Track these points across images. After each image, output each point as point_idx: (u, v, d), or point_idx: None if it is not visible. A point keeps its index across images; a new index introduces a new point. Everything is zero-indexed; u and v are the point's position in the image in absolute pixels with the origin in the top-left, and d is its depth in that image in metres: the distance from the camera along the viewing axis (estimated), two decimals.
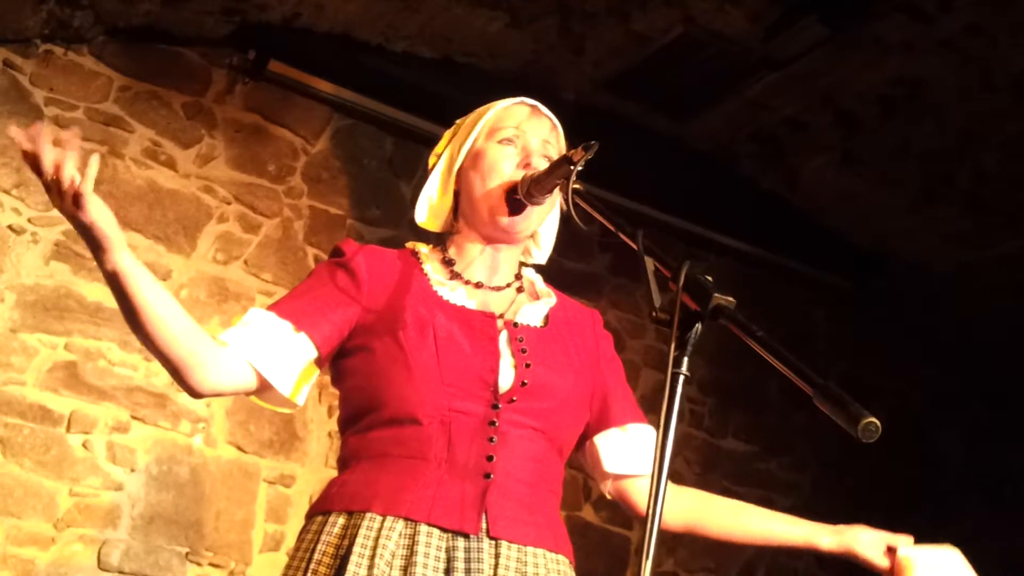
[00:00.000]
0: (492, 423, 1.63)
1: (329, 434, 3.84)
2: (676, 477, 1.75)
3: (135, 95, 3.76)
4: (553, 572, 1.63)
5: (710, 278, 1.35)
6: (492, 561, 1.56)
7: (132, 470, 3.53)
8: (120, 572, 3.45)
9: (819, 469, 4.77)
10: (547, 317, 1.80)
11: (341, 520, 1.59)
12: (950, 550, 1.70)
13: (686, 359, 1.31)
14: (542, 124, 1.82)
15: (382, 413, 1.64)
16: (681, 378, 1.29)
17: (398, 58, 3.96)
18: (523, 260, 1.89)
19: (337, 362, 1.74)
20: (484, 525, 1.57)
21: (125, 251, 1.51)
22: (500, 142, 1.78)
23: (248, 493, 3.69)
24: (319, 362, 1.71)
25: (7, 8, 3.40)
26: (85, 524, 3.43)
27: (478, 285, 1.77)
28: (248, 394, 1.69)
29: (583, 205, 1.60)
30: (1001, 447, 4.96)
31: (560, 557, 1.66)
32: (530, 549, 1.60)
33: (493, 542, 1.57)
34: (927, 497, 4.70)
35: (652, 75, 3.97)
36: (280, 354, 1.65)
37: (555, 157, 1.80)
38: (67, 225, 3.54)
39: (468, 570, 1.54)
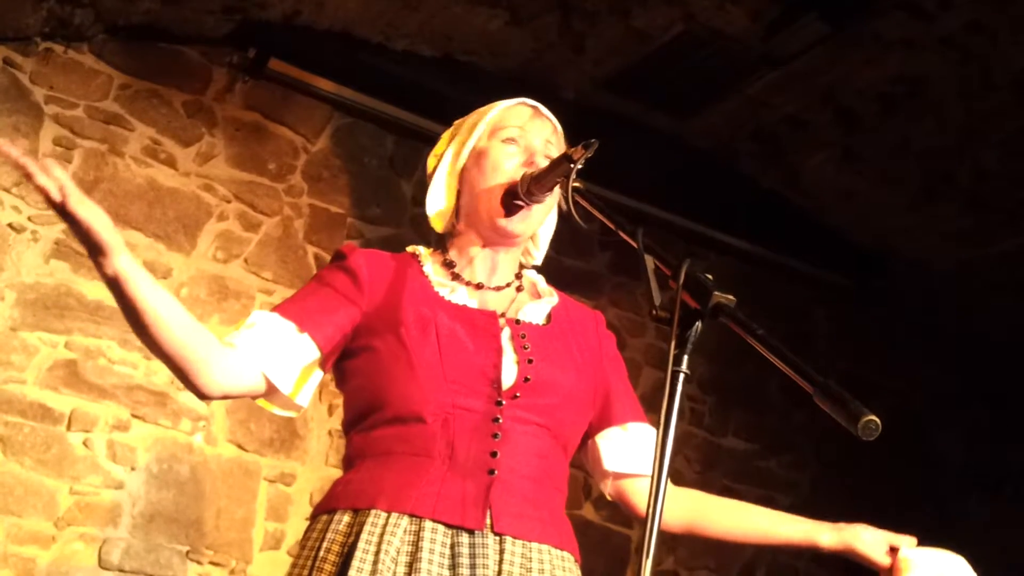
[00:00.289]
0: (496, 419, 1.63)
1: (329, 433, 3.84)
2: (676, 475, 1.75)
3: (135, 93, 3.76)
4: (558, 568, 1.63)
5: (710, 276, 1.35)
6: (497, 557, 1.56)
7: (132, 468, 3.53)
8: (121, 571, 3.45)
9: (819, 468, 4.77)
10: (549, 315, 1.81)
11: (346, 518, 1.60)
12: (954, 555, 1.68)
13: (686, 357, 1.31)
14: (544, 125, 1.83)
15: (386, 412, 1.64)
16: (681, 376, 1.30)
17: (398, 56, 3.96)
18: (523, 262, 1.89)
19: (340, 364, 1.74)
20: (488, 521, 1.58)
21: (124, 254, 1.50)
22: (503, 141, 1.79)
23: (248, 491, 3.70)
24: (322, 363, 1.71)
25: (7, 6, 3.40)
26: (86, 523, 3.44)
27: (478, 286, 1.78)
28: (255, 397, 1.69)
29: (583, 203, 1.60)
30: (1001, 446, 4.96)
31: (565, 554, 1.66)
32: (535, 545, 1.61)
33: (498, 538, 1.58)
34: (927, 496, 4.70)
35: (652, 73, 3.96)
36: (285, 356, 1.65)
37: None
38: None
39: (473, 565, 1.54)
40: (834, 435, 1.81)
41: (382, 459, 1.63)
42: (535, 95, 1.88)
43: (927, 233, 4.55)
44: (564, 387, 1.71)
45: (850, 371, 4.78)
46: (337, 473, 1.73)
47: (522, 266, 1.88)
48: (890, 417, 1.26)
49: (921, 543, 1.74)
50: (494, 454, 1.62)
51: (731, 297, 1.33)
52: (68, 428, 3.46)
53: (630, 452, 1.82)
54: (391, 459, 1.62)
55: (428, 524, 1.56)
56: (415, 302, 1.70)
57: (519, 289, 1.82)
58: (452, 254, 1.82)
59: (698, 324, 1.32)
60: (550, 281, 1.89)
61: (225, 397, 1.66)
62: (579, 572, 1.70)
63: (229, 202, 3.85)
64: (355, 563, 1.52)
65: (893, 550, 1.72)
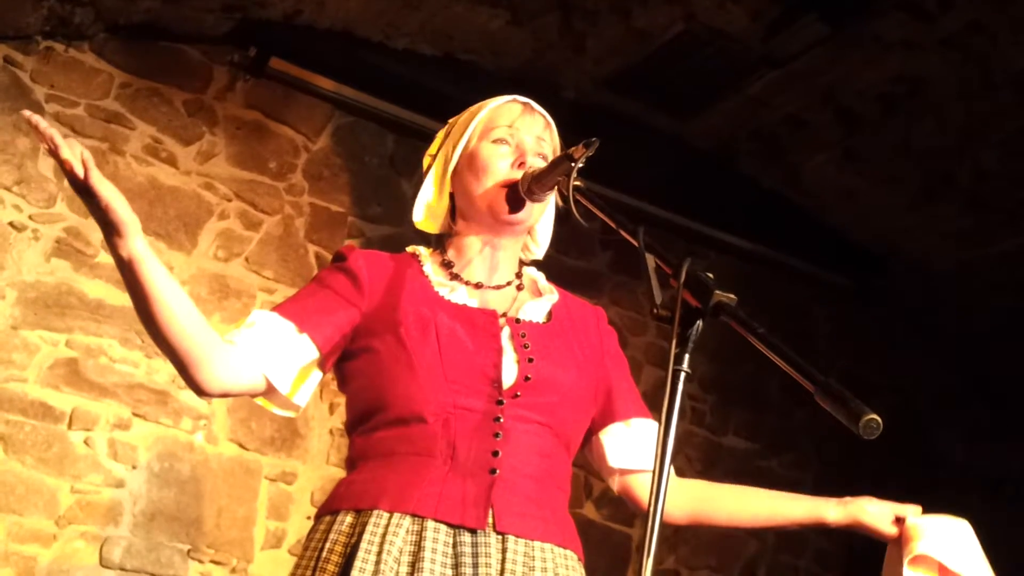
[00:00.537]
0: (497, 419, 1.63)
1: (331, 431, 3.85)
2: (678, 473, 1.76)
3: (136, 92, 3.76)
4: (561, 567, 1.63)
5: (711, 275, 1.35)
6: (499, 556, 1.56)
7: (133, 467, 3.53)
8: (122, 569, 3.45)
9: (820, 467, 4.77)
10: (550, 313, 1.80)
11: (349, 518, 1.60)
12: (959, 520, 1.68)
13: (687, 356, 1.31)
14: (535, 122, 1.82)
15: (387, 413, 1.65)
16: (682, 375, 1.30)
17: (399, 55, 3.96)
18: (522, 257, 1.89)
19: (341, 365, 1.74)
20: (491, 520, 1.58)
21: (140, 238, 1.51)
22: (494, 142, 1.79)
23: (249, 490, 3.70)
24: (321, 364, 1.71)
25: (8, 5, 3.40)
26: (87, 521, 3.44)
27: (478, 286, 1.78)
28: (254, 396, 1.69)
29: (584, 202, 1.60)
30: (1001, 446, 4.96)
31: (568, 552, 1.66)
32: (537, 544, 1.61)
33: (500, 537, 1.58)
34: (927, 496, 4.68)
35: (653, 73, 3.97)
36: (284, 355, 1.66)
37: (549, 154, 1.80)
38: (68, 222, 3.57)
39: (476, 564, 1.54)
40: (835, 434, 1.81)
41: (384, 460, 1.63)
42: (536, 94, 1.87)
43: (927, 233, 4.55)
44: (565, 385, 1.71)
45: (850, 370, 4.79)
46: (338, 472, 1.74)
47: (522, 263, 1.88)
48: (890, 416, 1.26)
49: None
50: (496, 453, 1.61)
51: (732, 296, 1.32)
52: (69, 427, 3.47)
53: (634, 448, 1.82)
54: (393, 460, 1.62)
55: (430, 524, 1.56)
56: (415, 302, 1.70)
57: (519, 287, 1.82)
58: (451, 254, 1.82)
59: (699, 323, 1.32)
60: (551, 280, 1.89)
61: (224, 395, 1.66)
62: (582, 570, 1.69)
63: (230, 201, 3.85)
64: (358, 563, 1.53)
65: (899, 520, 1.72)
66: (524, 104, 1.83)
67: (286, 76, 3.93)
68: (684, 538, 4.45)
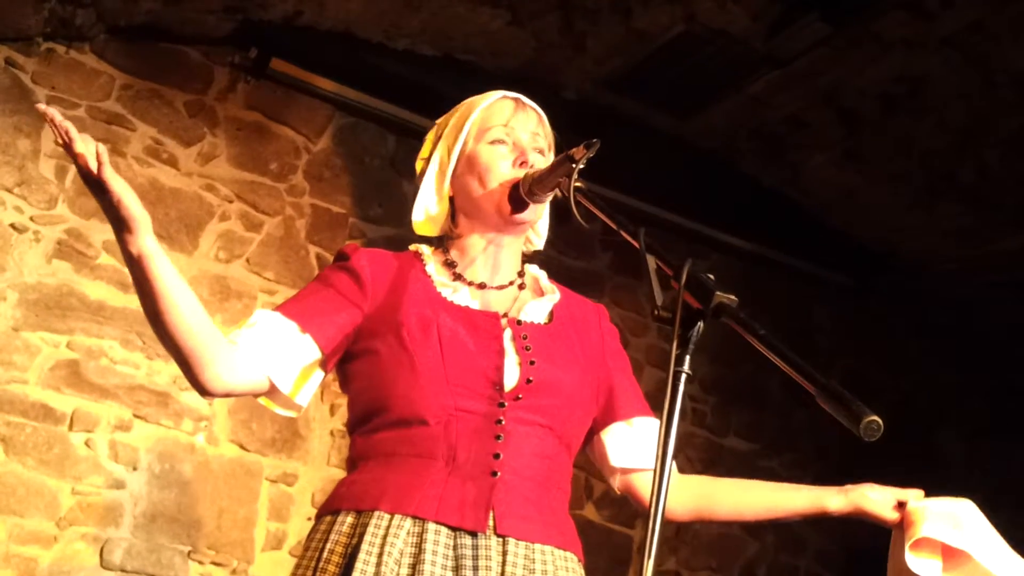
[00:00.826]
0: (498, 421, 1.63)
1: (331, 433, 3.85)
2: (679, 471, 1.75)
3: (137, 93, 3.76)
4: (561, 569, 1.62)
5: (712, 276, 1.35)
6: (500, 559, 1.56)
7: (134, 468, 3.53)
8: (122, 571, 3.45)
9: (821, 467, 4.77)
10: (551, 313, 1.80)
11: (350, 519, 1.60)
12: (963, 500, 1.67)
13: (688, 357, 1.31)
14: (529, 117, 1.81)
15: (389, 414, 1.64)
16: (683, 376, 1.29)
17: (400, 56, 3.96)
18: (524, 250, 1.88)
19: (343, 366, 1.74)
20: (491, 523, 1.57)
21: (150, 234, 1.50)
22: (491, 143, 1.78)
23: (250, 491, 3.70)
24: (323, 364, 1.71)
25: (9, 6, 3.40)
26: (87, 523, 3.44)
27: (480, 286, 1.77)
28: (257, 395, 1.69)
29: (585, 203, 1.60)
30: (1002, 445, 4.96)
31: (568, 554, 1.66)
32: (538, 546, 1.60)
33: (501, 539, 1.57)
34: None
35: (654, 73, 3.97)
36: (286, 355, 1.65)
37: (545, 148, 1.80)
38: (69, 224, 3.57)
39: (476, 567, 1.54)
40: (836, 434, 1.81)
41: (385, 461, 1.63)
42: (536, 95, 1.87)
43: (928, 232, 4.55)
44: (566, 387, 1.71)
45: (852, 370, 4.79)
46: (339, 473, 1.73)
47: (524, 258, 1.87)
48: (891, 415, 1.26)
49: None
50: (497, 456, 1.61)
51: (733, 297, 1.32)
52: (70, 428, 3.47)
53: (636, 447, 1.81)
54: (394, 461, 1.62)
55: (431, 526, 1.56)
56: (417, 303, 1.69)
57: (521, 287, 1.82)
58: (453, 254, 1.81)
59: (700, 324, 1.32)
60: (552, 280, 1.88)
61: (227, 394, 1.65)
62: (583, 572, 1.69)
63: (231, 202, 3.85)
64: (358, 565, 1.52)
65: (901, 505, 1.71)
66: (515, 100, 1.82)
67: (287, 77, 3.94)
68: (684, 539, 4.46)
